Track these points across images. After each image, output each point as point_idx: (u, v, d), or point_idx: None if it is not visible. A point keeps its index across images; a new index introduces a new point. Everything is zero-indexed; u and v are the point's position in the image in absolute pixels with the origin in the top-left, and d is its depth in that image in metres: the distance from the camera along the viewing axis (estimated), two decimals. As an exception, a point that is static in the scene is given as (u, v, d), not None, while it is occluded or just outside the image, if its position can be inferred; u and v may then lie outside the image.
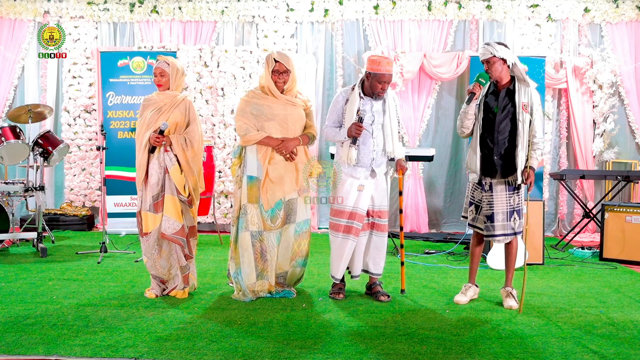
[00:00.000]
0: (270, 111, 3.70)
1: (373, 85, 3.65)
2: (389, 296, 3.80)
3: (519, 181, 3.56)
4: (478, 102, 3.62)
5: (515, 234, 3.66)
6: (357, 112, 3.65)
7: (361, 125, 3.61)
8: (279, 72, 3.69)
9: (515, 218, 3.64)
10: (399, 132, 3.88)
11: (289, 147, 3.70)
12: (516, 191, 3.63)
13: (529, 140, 3.55)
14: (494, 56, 3.50)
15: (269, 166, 3.70)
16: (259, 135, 3.68)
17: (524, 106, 3.52)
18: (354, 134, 3.62)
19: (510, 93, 3.57)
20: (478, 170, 3.64)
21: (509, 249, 3.75)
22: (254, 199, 3.71)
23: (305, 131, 3.83)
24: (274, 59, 3.68)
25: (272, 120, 3.69)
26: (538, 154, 3.58)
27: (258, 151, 3.71)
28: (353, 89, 3.76)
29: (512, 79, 3.61)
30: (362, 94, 3.72)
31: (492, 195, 3.64)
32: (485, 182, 3.66)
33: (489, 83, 3.63)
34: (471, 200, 3.74)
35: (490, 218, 3.64)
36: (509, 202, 3.63)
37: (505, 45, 3.57)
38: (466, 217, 3.81)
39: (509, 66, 3.56)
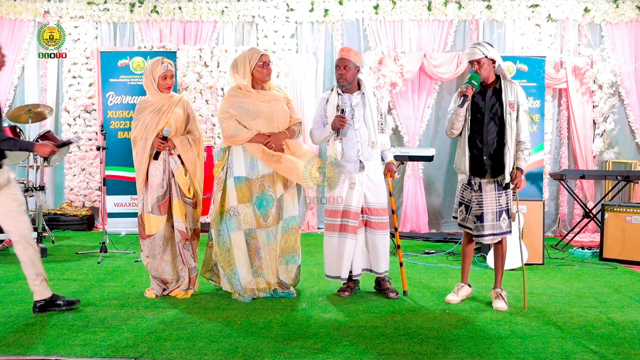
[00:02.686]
0: (255, 108, 3.71)
1: (335, 74, 3.82)
2: (397, 293, 3.83)
3: (507, 181, 3.57)
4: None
5: (503, 233, 3.66)
6: (337, 107, 3.78)
7: (344, 116, 3.72)
8: (266, 65, 3.72)
9: (504, 218, 3.64)
10: (380, 128, 3.87)
11: (278, 140, 3.73)
12: (505, 191, 3.63)
13: (516, 139, 3.56)
14: (485, 56, 3.51)
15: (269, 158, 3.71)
16: (250, 134, 3.68)
17: (511, 104, 3.53)
18: (338, 126, 3.73)
19: (497, 92, 3.57)
20: (467, 170, 3.65)
21: (498, 250, 3.75)
22: (245, 198, 3.71)
23: (290, 124, 3.84)
24: (262, 53, 3.72)
25: (258, 118, 3.70)
26: (526, 154, 3.58)
27: (247, 150, 3.71)
28: (332, 89, 3.89)
29: (497, 77, 3.61)
30: (340, 92, 3.84)
31: (481, 195, 3.64)
32: (475, 182, 3.66)
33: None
34: (461, 201, 3.76)
35: (480, 218, 3.65)
36: (498, 202, 3.63)
37: (492, 45, 3.59)
38: (457, 218, 3.82)
39: (494, 66, 3.57)
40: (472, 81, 3.52)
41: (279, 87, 3.97)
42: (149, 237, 3.75)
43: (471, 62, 3.57)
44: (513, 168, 3.57)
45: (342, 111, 3.75)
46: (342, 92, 3.83)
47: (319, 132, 3.88)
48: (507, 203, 3.65)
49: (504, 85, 3.55)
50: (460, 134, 3.69)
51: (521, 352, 2.81)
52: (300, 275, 4.01)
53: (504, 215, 3.64)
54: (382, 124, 3.84)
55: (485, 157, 3.59)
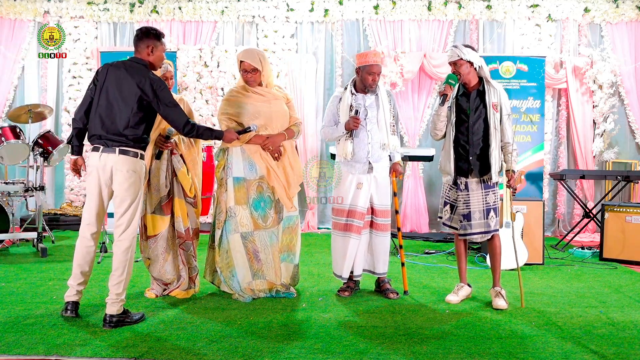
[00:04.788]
0: (254, 109, 3.69)
1: (364, 78, 3.75)
2: (397, 293, 3.83)
3: (494, 180, 3.61)
4: (450, 105, 3.68)
5: (492, 231, 3.69)
6: (351, 107, 3.76)
7: (358, 118, 3.71)
8: (247, 71, 3.70)
9: (492, 216, 3.67)
10: (398, 132, 3.97)
11: (276, 143, 3.70)
12: (492, 189, 3.67)
13: (501, 141, 3.62)
14: (461, 59, 3.56)
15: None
16: (247, 135, 3.66)
17: (494, 106, 3.59)
18: (352, 127, 3.71)
19: (481, 94, 3.63)
20: (452, 171, 3.69)
21: (493, 248, 3.76)
22: (242, 200, 3.69)
23: (289, 124, 3.82)
24: (241, 60, 3.70)
25: (257, 118, 3.67)
26: (515, 155, 3.64)
27: (245, 151, 3.70)
28: (346, 88, 3.87)
29: (481, 80, 3.66)
30: (354, 91, 3.82)
31: (468, 195, 3.67)
32: (461, 182, 3.69)
33: (458, 85, 3.69)
34: (446, 200, 3.78)
35: (467, 217, 3.67)
36: (486, 201, 3.66)
37: (473, 48, 3.63)
38: (442, 218, 3.83)
39: (475, 68, 3.61)
40: (450, 80, 3.59)
41: (279, 86, 3.94)
42: (152, 237, 3.74)
43: (449, 63, 3.64)
44: (509, 170, 3.62)
45: (357, 112, 3.73)
46: (356, 92, 3.82)
47: (330, 130, 3.85)
48: (494, 201, 3.68)
49: (487, 88, 3.61)
50: (444, 136, 3.74)
51: (521, 352, 2.81)
52: (299, 275, 4.00)
53: (492, 213, 3.67)
54: (394, 125, 3.85)
55: (472, 158, 3.63)
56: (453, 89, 3.63)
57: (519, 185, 5.14)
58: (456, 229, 3.75)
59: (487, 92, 3.60)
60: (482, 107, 3.61)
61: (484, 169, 3.63)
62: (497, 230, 3.70)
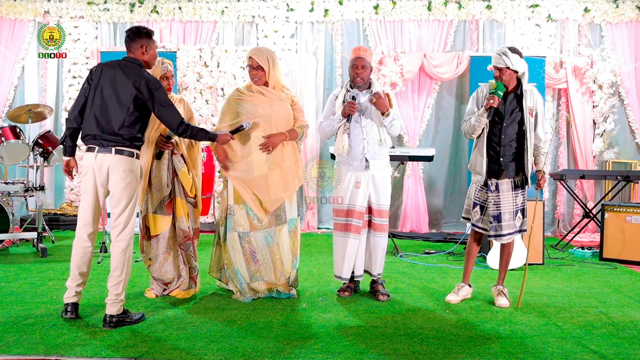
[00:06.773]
0: (254, 109, 3.67)
1: (350, 73, 3.81)
2: (389, 296, 3.81)
3: (529, 184, 3.66)
4: (484, 104, 3.64)
5: (518, 232, 3.71)
6: (345, 100, 3.77)
7: (354, 102, 3.70)
8: (252, 68, 3.69)
9: (519, 217, 3.70)
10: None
11: (275, 142, 3.66)
12: (521, 190, 3.69)
13: (534, 143, 3.63)
14: (508, 68, 3.53)
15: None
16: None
17: (530, 110, 3.59)
18: (349, 111, 3.70)
19: (518, 97, 3.61)
20: (484, 172, 3.66)
21: (505, 248, 3.77)
22: (240, 199, 3.69)
23: (294, 126, 3.79)
24: (249, 56, 3.71)
25: (256, 119, 3.65)
26: (543, 158, 3.68)
27: None
28: (342, 87, 3.91)
29: (518, 83, 3.63)
30: (349, 89, 3.86)
31: (498, 196, 3.66)
32: (491, 183, 3.68)
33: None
34: (475, 201, 3.76)
35: (497, 218, 3.66)
36: (515, 202, 3.68)
37: (520, 53, 3.58)
38: (467, 218, 3.82)
39: (517, 75, 3.60)
40: (498, 92, 3.53)
41: (287, 88, 3.86)
42: (154, 237, 3.74)
43: (494, 67, 3.59)
44: (539, 170, 3.66)
45: (353, 97, 3.74)
46: (352, 89, 3.83)
47: (328, 122, 3.84)
48: (522, 202, 3.71)
49: (524, 92, 3.59)
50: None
51: (521, 352, 2.81)
52: (298, 279, 3.98)
53: (519, 214, 3.70)
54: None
55: (502, 159, 3.62)
56: (500, 100, 3.56)
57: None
58: (486, 230, 3.74)
59: (524, 96, 3.58)
60: (517, 111, 3.60)
61: (515, 170, 3.64)
62: (525, 230, 3.72)
